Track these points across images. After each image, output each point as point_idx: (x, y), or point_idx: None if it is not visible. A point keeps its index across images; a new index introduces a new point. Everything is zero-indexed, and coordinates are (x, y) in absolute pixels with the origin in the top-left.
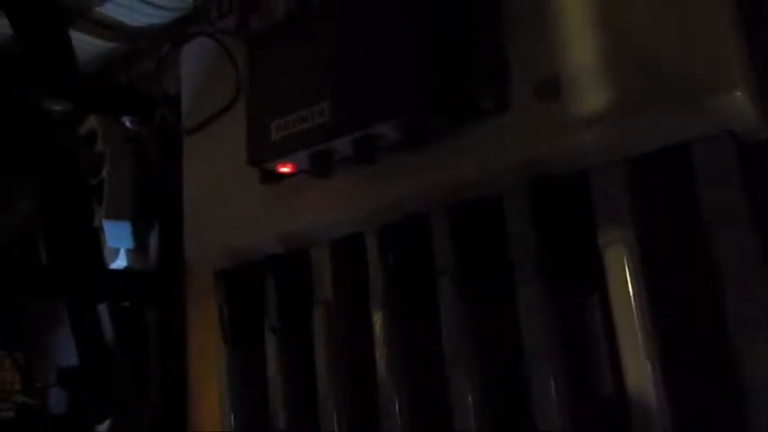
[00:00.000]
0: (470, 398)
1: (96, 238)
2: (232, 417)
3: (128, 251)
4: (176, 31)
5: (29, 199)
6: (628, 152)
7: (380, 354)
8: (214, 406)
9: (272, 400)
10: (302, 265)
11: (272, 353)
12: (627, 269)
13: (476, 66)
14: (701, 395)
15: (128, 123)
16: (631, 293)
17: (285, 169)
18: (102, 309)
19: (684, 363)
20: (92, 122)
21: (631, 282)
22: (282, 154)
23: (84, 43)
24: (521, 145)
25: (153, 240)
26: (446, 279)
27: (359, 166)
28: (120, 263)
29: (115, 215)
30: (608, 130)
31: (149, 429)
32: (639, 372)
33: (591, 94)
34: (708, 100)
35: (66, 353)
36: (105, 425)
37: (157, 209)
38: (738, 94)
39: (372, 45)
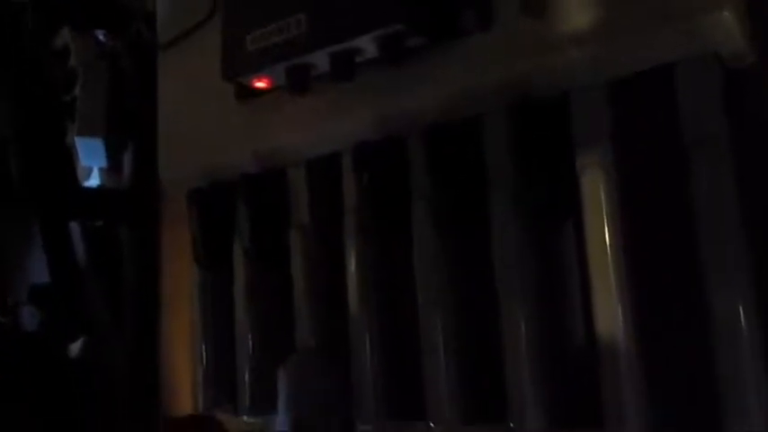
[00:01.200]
0: (440, 327)
1: (69, 155)
2: (203, 339)
3: (101, 170)
4: None
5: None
6: (612, 73)
7: (351, 277)
8: (186, 328)
9: (240, 325)
10: (278, 185)
11: (243, 275)
12: (602, 192)
13: None
14: (670, 329)
15: (102, 38)
16: (605, 217)
17: (261, 84)
18: (75, 228)
19: (655, 296)
20: (65, 37)
21: (606, 205)
22: (258, 68)
23: None
24: (504, 64)
25: (127, 159)
26: (421, 204)
27: (337, 84)
28: (93, 182)
29: (88, 132)
30: (594, 48)
31: (121, 350)
32: (609, 303)
33: (577, 10)
34: (695, 19)
35: (39, 271)
36: (77, 344)
37: (132, 126)
38: (726, 14)
39: None
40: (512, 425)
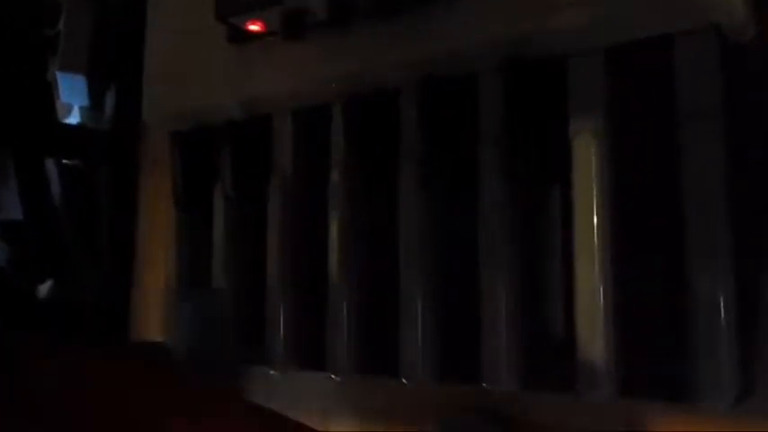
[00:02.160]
0: (418, 285)
1: (49, 91)
2: (178, 284)
3: (82, 109)
4: None
5: None
6: (610, 39)
7: (333, 230)
8: (161, 273)
9: (216, 270)
10: (263, 133)
11: (222, 221)
12: (593, 159)
13: None
14: (649, 299)
15: None
16: (594, 184)
17: (254, 27)
18: (52, 166)
19: (636, 267)
20: None
21: (596, 172)
22: (253, 9)
23: None
24: (502, 22)
25: (109, 99)
26: (409, 160)
27: (332, 33)
28: (73, 120)
29: (70, 68)
30: (592, 10)
31: (94, 292)
32: (590, 269)
33: None
34: None
35: (11, 207)
36: (47, 285)
37: (116, 65)
38: None
39: None
40: (485, 385)
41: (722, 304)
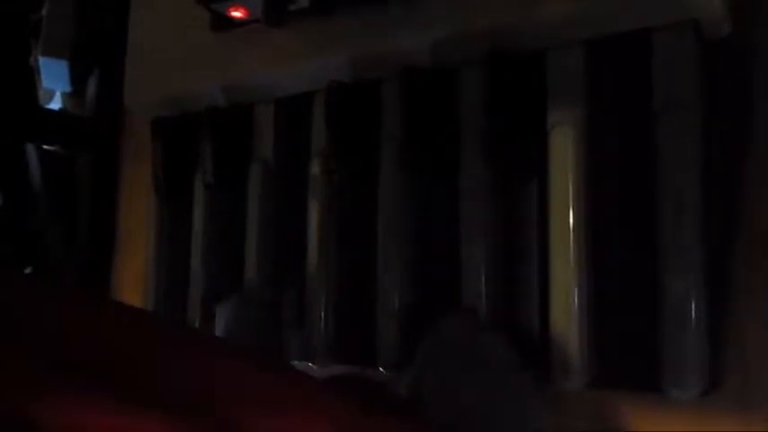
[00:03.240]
0: (397, 273)
1: (31, 77)
2: (156, 271)
3: (64, 95)
4: None
5: None
6: (589, 32)
7: (313, 217)
8: (142, 261)
9: (195, 258)
10: (244, 120)
11: (201, 209)
12: (570, 151)
13: None
14: (622, 291)
15: None
16: (570, 176)
17: (237, 14)
18: (32, 152)
19: (610, 259)
20: None
21: (572, 163)
22: None
23: None
24: (485, 13)
25: (92, 85)
26: (391, 148)
27: (314, 21)
28: (54, 106)
29: (53, 53)
30: (574, 4)
31: (72, 279)
32: (565, 260)
33: None
34: None
35: None
36: (26, 271)
37: (99, 51)
38: None
39: None
40: None
41: (692, 297)
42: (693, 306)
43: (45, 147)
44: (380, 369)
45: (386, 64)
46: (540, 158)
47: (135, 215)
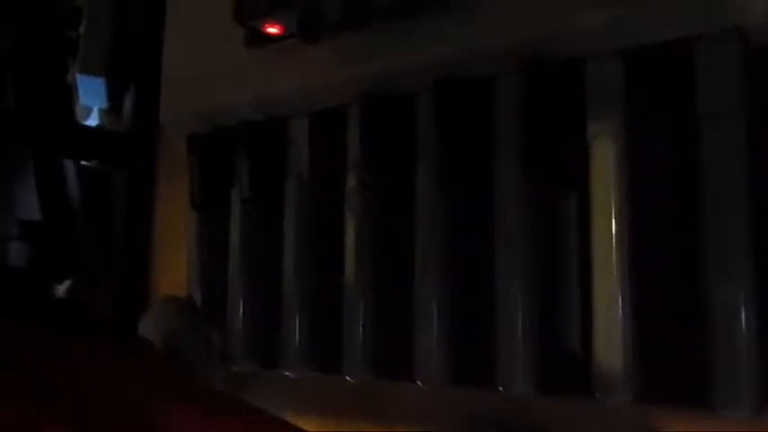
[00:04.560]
0: (435, 287)
1: (68, 93)
2: (196, 285)
3: (100, 111)
4: None
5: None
6: (630, 41)
7: (350, 230)
8: (178, 275)
9: (233, 271)
10: (279, 135)
11: (239, 222)
12: (612, 162)
13: None
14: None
15: None
16: (612, 188)
17: (272, 30)
18: (70, 167)
19: (655, 272)
20: None
21: (614, 175)
22: (271, 12)
23: None
24: (520, 24)
25: (128, 102)
26: (427, 162)
27: (349, 35)
28: (91, 122)
29: (89, 70)
30: (614, 12)
31: (110, 293)
32: (608, 273)
33: None
34: None
35: (30, 207)
36: (65, 285)
37: (135, 68)
38: None
39: None
40: (500, 388)
41: (741, 310)
42: (743, 318)
43: (82, 162)
44: (419, 383)
45: (420, 76)
46: (579, 170)
47: (171, 228)
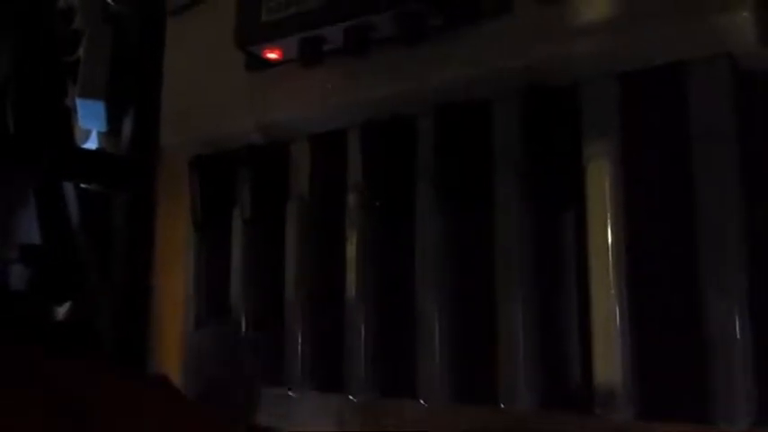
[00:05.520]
0: (435, 306)
1: (68, 117)
2: (196, 306)
3: (100, 134)
4: None
5: (1, 69)
6: (625, 65)
7: (350, 251)
8: (178, 296)
9: (234, 293)
10: (280, 158)
11: (240, 243)
12: (607, 184)
13: None
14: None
15: (109, 1)
16: (608, 209)
17: (272, 55)
18: (70, 190)
19: (651, 290)
20: None
21: (610, 196)
22: (271, 37)
23: None
24: (518, 50)
25: (127, 125)
26: (426, 184)
27: (348, 60)
28: (91, 145)
29: (89, 94)
30: (606, 39)
31: (111, 315)
32: (605, 291)
33: (593, 1)
34: (713, 17)
35: (30, 230)
36: (65, 307)
37: (134, 92)
38: (745, 15)
39: None
40: (502, 405)
41: (737, 326)
42: (738, 333)
43: (82, 185)
44: (421, 401)
45: (420, 101)
46: (576, 190)
47: (171, 248)
